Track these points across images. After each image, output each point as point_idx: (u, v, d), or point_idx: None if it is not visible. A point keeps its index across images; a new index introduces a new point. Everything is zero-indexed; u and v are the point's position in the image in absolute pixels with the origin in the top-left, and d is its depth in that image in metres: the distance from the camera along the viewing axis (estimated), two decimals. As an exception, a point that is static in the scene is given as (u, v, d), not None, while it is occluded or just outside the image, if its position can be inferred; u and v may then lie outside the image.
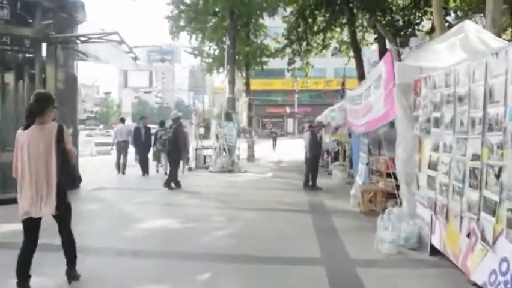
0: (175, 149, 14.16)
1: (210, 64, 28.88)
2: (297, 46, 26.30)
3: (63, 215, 5.12)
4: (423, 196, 6.83)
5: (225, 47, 23.75)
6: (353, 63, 30.84)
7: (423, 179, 6.82)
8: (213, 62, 28.29)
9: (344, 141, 17.64)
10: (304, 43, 26.12)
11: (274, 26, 30.68)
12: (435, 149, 6.35)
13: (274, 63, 66.97)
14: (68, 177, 5.19)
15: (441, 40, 8.34)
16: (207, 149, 22.06)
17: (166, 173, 15.34)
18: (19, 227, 5.13)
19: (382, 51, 23.91)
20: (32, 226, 4.97)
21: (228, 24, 21.99)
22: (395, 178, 8.50)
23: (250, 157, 26.98)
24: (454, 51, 7.21)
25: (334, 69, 68.89)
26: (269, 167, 22.61)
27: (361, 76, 26.51)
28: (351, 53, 30.16)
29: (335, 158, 19.08)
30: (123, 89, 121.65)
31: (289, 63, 27.99)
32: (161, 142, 15.72)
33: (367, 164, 11.24)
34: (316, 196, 12.65)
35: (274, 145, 38.13)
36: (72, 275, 5.30)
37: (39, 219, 5.00)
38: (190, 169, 19.32)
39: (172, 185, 13.75)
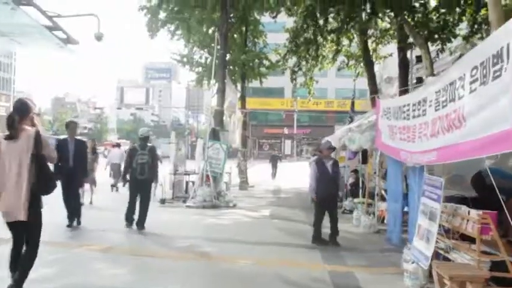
0: (152, 176, 10.37)
1: (200, 74, 24.22)
2: (304, 52, 21.74)
3: (34, 223, 5.06)
4: None
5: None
6: (359, 81, 26.83)
7: None
8: (204, 71, 23.61)
9: (369, 171, 12.93)
10: (313, 48, 21.56)
11: (274, 41, 26.34)
12: None
13: (273, 82, 63.46)
14: (43, 182, 5.06)
15: None
16: (189, 174, 17.36)
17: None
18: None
19: (403, 63, 19.67)
20: (12, 228, 5.06)
21: (219, 17, 17.33)
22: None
23: (243, 184, 22.24)
24: None
25: (336, 89, 64.84)
26: (265, 199, 17.85)
27: (373, 93, 22.25)
28: (360, 68, 26.04)
29: (352, 193, 14.32)
30: (113, 106, 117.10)
31: (294, 72, 23.41)
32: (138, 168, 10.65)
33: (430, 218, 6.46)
34: (339, 262, 7.87)
35: (274, 173, 29.23)
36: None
37: (18, 222, 4.96)
38: (163, 201, 14.57)
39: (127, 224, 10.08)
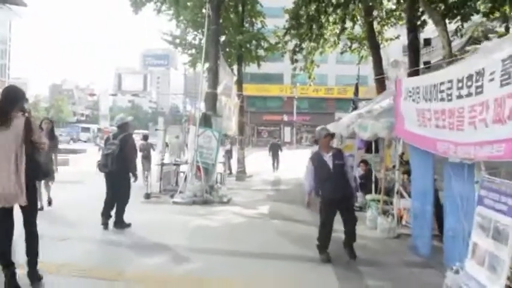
0: (122, 169, 8.60)
1: (194, 56, 22.25)
2: (306, 30, 19.86)
3: (31, 206, 5.08)
4: None
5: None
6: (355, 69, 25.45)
7: None
8: (197, 53, 21.63)
9: (386, 164, 11.12)
10: (316, 25, 19.66)
11: (273, 26, 24.34)
12: None
13: (272, 67, 61.62)
14: (33, 168, 5.07)
15: None
16: (179, 164, 15.56)
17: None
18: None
19: (413, 45, 17.83)
20: (4, 215, 4.95)
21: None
22: None
23: (241, 174, 20.46)
24: None
25: (336, 76, 62.81)
26: (264, 191, 16.02)
27: (379, 76, 20.39)
28: (364, 52, 24.36)
29: (362, 187, 12.52)
30: (106, 93, 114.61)
31: (294, 52, 21.57)
32: (102, 159, 8.89)
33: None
34: (358, 283, 6.08)
35: (275, 164, 24.94)
36: (35, 275, 5.19)
37: (11, 208, 4.98)
38: (147, 196, 12.77)
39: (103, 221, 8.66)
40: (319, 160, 7.07)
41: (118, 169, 8.42)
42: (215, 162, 13.24)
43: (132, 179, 8.76)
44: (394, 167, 9.68)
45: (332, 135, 16.14)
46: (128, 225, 8.72)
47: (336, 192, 6.89)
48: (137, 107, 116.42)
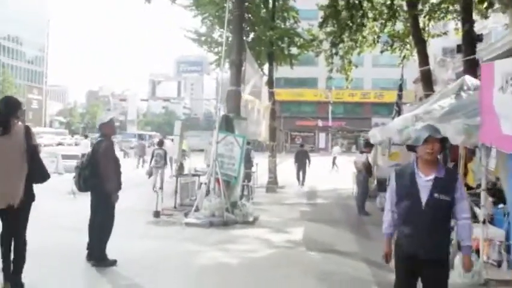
0: (97, 188, 6.29)
1: (221, 54, 19.92)
2: (346, 19, 17.53)
3: (23, 210, 5.10)
4: None
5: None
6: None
7: None
8: (224, 51, 19.29)
9: (469, 181, 8.53)
10: (358, 14, 17.25)
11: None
12: None
13: (306, 72, 59.28)
14: (37, 171, 5.16)
15: None
16: (199, 175, 13.33)
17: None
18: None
19: (469, 36, 15.23)
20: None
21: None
22: None
23: (271, 185, 18.01)
24: None
25: (372, 79, 59.78)
26: (297, 206, 13.56)
27: (426, 76, 18.01)
28: (406, 51, 21.76)
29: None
30: (135, 98, 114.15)
31: (334, 45, 19.24)
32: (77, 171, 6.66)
33: None
34: None
35: (301, 177, 19.66)
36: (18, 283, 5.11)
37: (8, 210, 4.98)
38: (156, 214, 10.48)
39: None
40: (408, 183, 3.86)
41: (92, 187, 6.18)
42: (238, 175, 10.79)
43: (113, 198, 6.37)
44: (479, 186, 7.06)
45: (371, 146, 13.49)
46: (112, 262, 6.38)
47: (421, 247, 3.79)
48: (170, 113, 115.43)
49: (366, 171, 12.50)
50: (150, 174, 15.58)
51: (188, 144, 19.84)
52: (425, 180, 3.79)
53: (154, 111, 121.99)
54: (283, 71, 27.41)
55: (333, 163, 29.63)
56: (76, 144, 45.78)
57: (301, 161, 19.84)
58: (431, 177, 3.78)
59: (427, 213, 3.74)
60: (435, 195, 3.74)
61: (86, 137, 27.10)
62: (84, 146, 22.07)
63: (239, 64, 11.74)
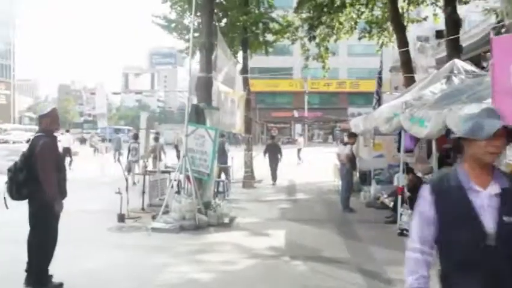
0: (35, 195, 5.00)
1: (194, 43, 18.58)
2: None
3: None
4: None
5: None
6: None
7: None
8: (196, 38, 18.00)
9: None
10: None
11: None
12: None
13: (281, 61, 58.13)
14: None
15: None
16: (169, 172, 12.18)
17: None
18: None
19: (452, 19, 14.38)
20: None
21: None
22: None
23: (248, 180, 16.91)
24: None
25: (348, 69, 58.96)
26: (277, 204, 12.51)
27: (406, 63, 17.15)
28: (384, 38, 20.85)
29: (412, 203, 8.92)
30: (100, 89, 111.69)
31: (311, 27, 18.36)
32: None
33: None
34: None
35: (273, 174, 17.44)
36: None
37: None
38: (121, 218, 9.27)
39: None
40: (457, 204, 2.25)
41: (29, 195, 4.98)
42: (211, 171, 9.62)
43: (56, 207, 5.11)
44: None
45: (355, 136, 12.31)
46: (57, 286, 5.18)
47: None
48: (144, 106, 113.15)
49: (350, 164, 11.46)
50: (129, 169, 14.85)
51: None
52: (485, 197, 2.21)
53: (127, 104, 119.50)
54: (257, 61, 26.24)
55: (298, 155, 28.36)
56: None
57: (273, 155, 17.49)
58: (494, 190, 2.22)
59: (498, 250, 2.15)
60: (507, 218, 2.17)
61: (67, 131, 26.39)
62: (65, 142, 22.12)
63: (209, 48, 10.53)
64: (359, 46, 55.66)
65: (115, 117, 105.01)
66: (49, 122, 5.27)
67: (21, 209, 5.16)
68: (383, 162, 14.05)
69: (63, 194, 5.18)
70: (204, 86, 10.30)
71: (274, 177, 17.35)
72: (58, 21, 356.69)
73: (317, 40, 20.34)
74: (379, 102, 16.77)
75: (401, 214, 8.93)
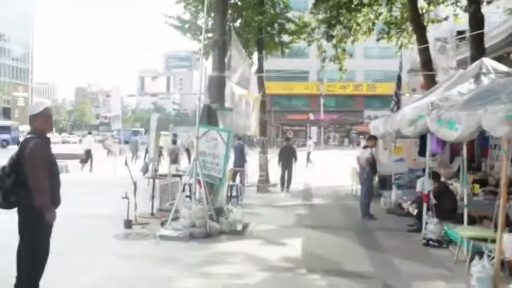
0: (24, 200, 4.42)
1: (207, 43, 18.17)
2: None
3: None
4: None
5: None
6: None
7: None
8: (210, 38, 17.51)
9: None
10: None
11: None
12: None
13: (297, 64, 57.48)
14: None
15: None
16: (181, 175, 11.70)
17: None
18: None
19: (476, 19, 13.78)
20: None
21: None
22: None
23: (263, 184, 16.35)
24: None
25: (364, 71, 58.10)
26: (292, 209, 11.91)
27: (426, 63, 16.46)
28: (403, 39, 20.04)
29: (439, 211, 8.29)
30: (116, 92, 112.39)
31: (329, 26, 17.85)
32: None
33: None
34: None
35: (287, 180, 15.89)
36: None
37: None
38: (128, 224, 8.77)
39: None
40: None
41: (18, 202, 4.47)
42: (223, 176, 9.09)
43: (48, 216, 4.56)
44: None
45: (375, 138, 11.56)
46: None
47: None
48: (159, 109, 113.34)
49: (370, 168, 10.82)
50: (145, 170, 14.73)
51: (167, 141, 18.51)
52: None
53: (143, 107, 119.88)
54: (273, 64, 25.74)
55: (308, 159, 27.62)
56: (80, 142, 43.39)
57: (287, 159, 15.88)
58: None
59: None
60: None
61: (89, 133, 26.27)
62: (87, 144, 22.17)
63: (223, 46, 10.01)
64: (376, 48, 54.97)
65: (131, 119, 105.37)
66: (41, 122, 4.73)
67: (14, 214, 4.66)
68: (403, 166, 13.43)
69: (56, 201, 4.65)
70: (217, 86, 9.79)
71: (288, 182, 15.80)
72: (76, 25, 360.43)
73: (334, 41, 19.86)
74: (398, 105, 16.11)
75: (426, 223, 8.32)
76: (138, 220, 9.33)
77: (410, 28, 19.60)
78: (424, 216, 8.46)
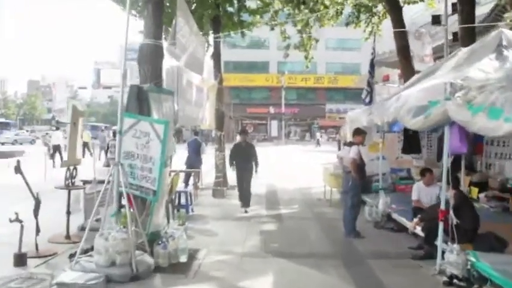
0: None
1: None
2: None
3: None
4: None
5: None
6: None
7: None
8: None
9: None
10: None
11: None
12: None
13: (257, 55, 55.06)
14: None
15: None
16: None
17: None
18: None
19: None
20: None
21: None
22: None
23: (219, 186, 13.59)
24: None
25: (326, 63, 56.01)
26: (257, 225, 9.19)
27: (402, 49, 14.47)
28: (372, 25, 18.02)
29: (460, 232, 5.82)
30: (60, 84, 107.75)
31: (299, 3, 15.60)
32: None
33: None
34: None
35: (244, 195, 10.93)
36: None
37: None
38: (18, 260, 5.92)
39: None
40: None
41: None
42: (159, 188, 6.24)
43: None
44: None
45: (364, 133, 9.93)
46: None
47: None
48: (116, 102, 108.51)
49: (357, 172, 8.20)
50: (107, 167, 13.19)
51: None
52: None
53: (98, 100, 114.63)
54: (232, 54, 23.16)
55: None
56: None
57: (245, 162, 10.99)
58: None
59: None
60: None
61: (57, 128, 24.62)
62: (55, 139, 22.06)
63: (159, 1, 7.11)
64: (336, 40, 53.22)
65: (86, 113, 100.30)
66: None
67: None
68: (384, 165, 10.98)
69: None
70: (150, 59, 6.90)
71: (246, 200, 10.93)
72: (32, 17, 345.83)
73: (299, 26, 17.92)
74: (371, 95, 13.76)
75: (443, 251, 5.84)
76: (41, 250, 6.51)
77: (382, 12, 17.51)
78: (440, 242, 5.98)
